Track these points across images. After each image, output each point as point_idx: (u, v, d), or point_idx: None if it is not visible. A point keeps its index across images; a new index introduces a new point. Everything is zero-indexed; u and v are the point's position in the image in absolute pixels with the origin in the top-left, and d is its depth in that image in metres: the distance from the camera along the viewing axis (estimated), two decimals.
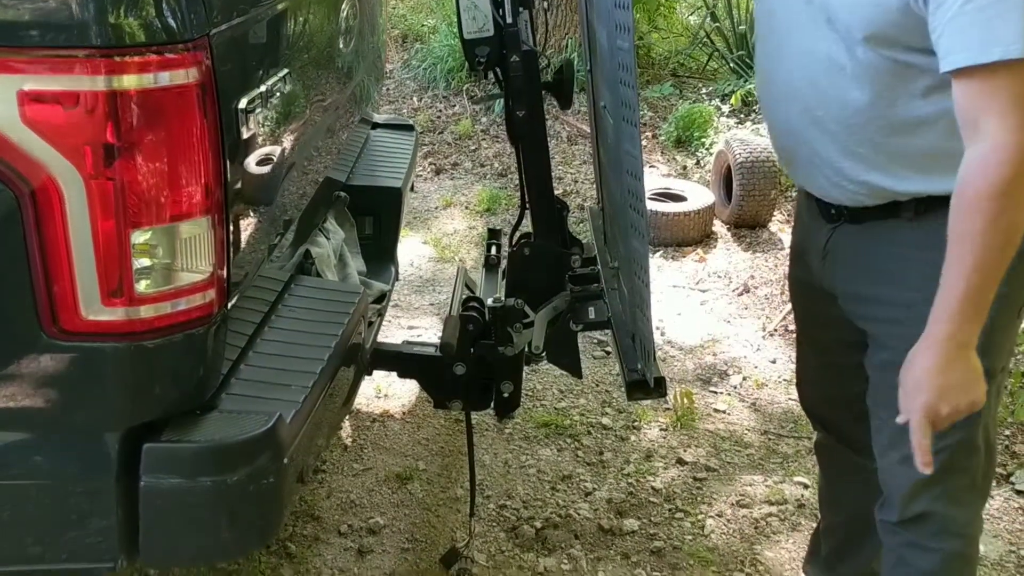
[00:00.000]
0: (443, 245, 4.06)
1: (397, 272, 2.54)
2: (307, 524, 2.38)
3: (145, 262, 1.31)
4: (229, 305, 1.47)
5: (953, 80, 1.33)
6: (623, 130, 1.80)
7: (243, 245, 1.52)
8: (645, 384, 1.89)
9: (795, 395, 2.89)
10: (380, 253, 2.47)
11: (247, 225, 1.54)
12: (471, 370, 2.10)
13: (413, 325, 3.38)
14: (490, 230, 2.69)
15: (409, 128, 2.96)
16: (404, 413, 2.88)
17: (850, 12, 1.45)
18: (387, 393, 2.95)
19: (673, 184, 4.30)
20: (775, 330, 3.39)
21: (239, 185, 1.45)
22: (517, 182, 2.37)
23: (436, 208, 4.47)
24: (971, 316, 1.34)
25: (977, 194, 1.30)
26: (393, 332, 3.24)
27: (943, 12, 1.33)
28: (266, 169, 1.58)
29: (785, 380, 3.08)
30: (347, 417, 2.82)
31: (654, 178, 4.54)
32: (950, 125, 1.37)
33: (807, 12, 1.52)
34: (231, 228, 1.42)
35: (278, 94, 1.58)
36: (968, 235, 1.31)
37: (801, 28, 1.54)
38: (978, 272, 1.32)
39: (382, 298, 2.32)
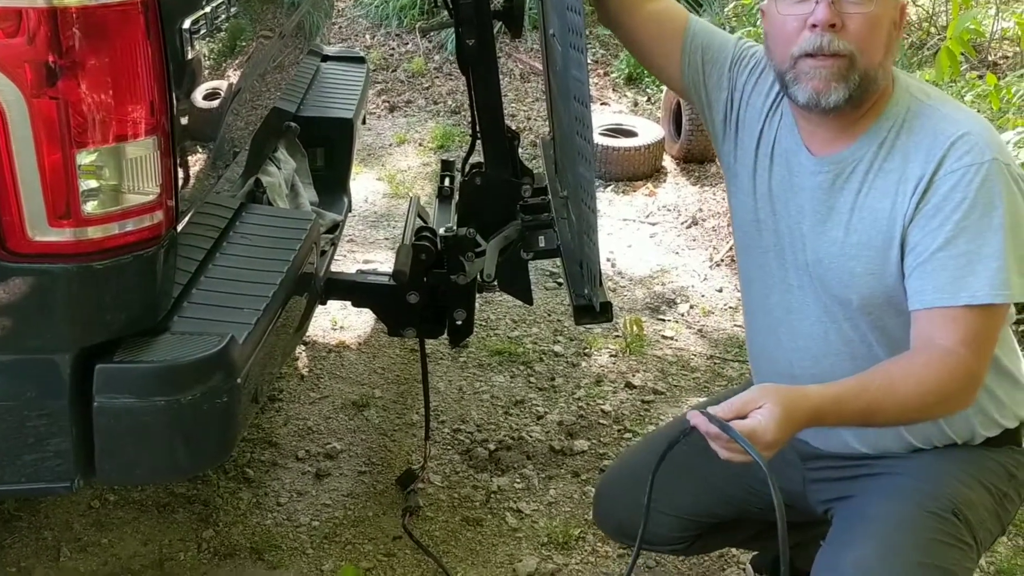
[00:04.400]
0: (397, 181, 4.07)
1: (350, 203, 2.56)
2: (264, 450, 2.43)
3: (91, 183, 1.32)
4: (178, 228, 1.48)
5: (918, 312, 1.40)
6: (570, 56, 1.82)
7: (190, 168, 1.52)
8: (592, 308, 1.92)
9: (740, 322, 2.98)
10: (332, 184, 2.48)
11: (194, 148, 1.54)
12: (424, 298, 2.13)
13: (368, 259, 3.40)
14: (443, 161, 2.70)
15: (360, 60, 2.94)
16: (360, 344, 2.91)
17: (845, 286, 1.49)
18: (343, 325, 2.98)
19: (624, 120, 4.34)
20: (721, 260, 3.47)
21: (185, 107, 1.45)
22: (470, 119, 2.38)
23: (390, 145, 4.46)
24: (843, 418, 1.39)
25: (924, 382, 1.36)
26: (348, 266, 3.25)
27: (915, 255, 1.40)
28: (212, 92, 1.58)
29: (731, 308, 3.17)
30: (303, 348, 2.85)
31: (605, 114, 4.56)
32: None
33: (799, 293, 1.56)
34: (177, 150, 1.43)
35: (222, 16, 1.58)
36: (893, 392, 1.36)
37: (798, 310, 1.57)
38: (876, 413, 1.37)
39: (335, 228, 2.33)
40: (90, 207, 1.32)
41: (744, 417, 1.28)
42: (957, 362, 1.36)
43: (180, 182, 1.46)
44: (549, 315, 3.11)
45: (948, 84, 3.90)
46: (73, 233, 1.32)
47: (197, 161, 1.56)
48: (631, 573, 1.57)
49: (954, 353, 1.36)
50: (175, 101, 1.39)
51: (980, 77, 4.11)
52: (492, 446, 2.49)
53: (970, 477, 1.52)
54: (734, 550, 2.15)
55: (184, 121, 1.45)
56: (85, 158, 1.30)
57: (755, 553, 2.09)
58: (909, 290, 1.42)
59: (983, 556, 2.09)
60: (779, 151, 1.58)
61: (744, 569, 2.12)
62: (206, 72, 1.54)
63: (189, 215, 1.54)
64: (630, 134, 4.14)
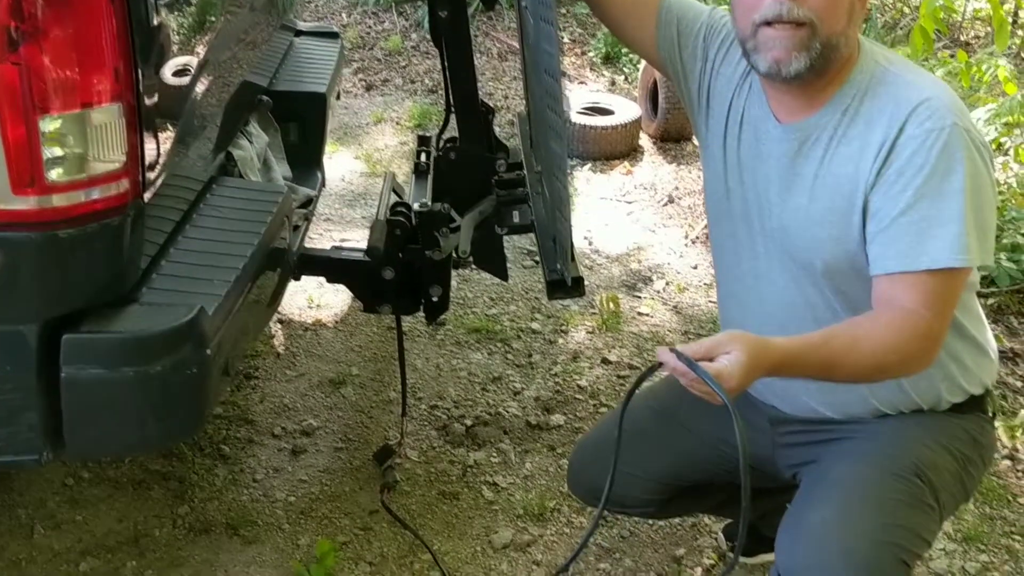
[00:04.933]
0: (374, 160, 4.05)
1: (323, 179, 2.54)
2: (240, 427, 2.42)
3: (56, 150, 1.30)
4: (146, 197, 1.46)
5: (879, 277, 1.42)
6: (541, 29, 1.81)
7: (158, 137, 1.50)
8: (564, 283, 1.92)
9: (714, 298, 3.00)
10: (306, 159, 2.46)
11: (161, 117, 1.52)
12: (400, 274, 2.13)
13: (345, 237, 3.39)
14: (420, 136, 2.68)
15: (334, 35, 2.92)
16: (336, 322, 2.90)
17: (809, 251, 1.51)
18: (319, 303, 2.97)
19: (601, 99, 4.34)
20: (697, 238, 3.49)
21: (150, 74, 1.43)
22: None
23: (367, 124, 4.43)
24: (805, 370, 1.41)
25: (885, 341, 1.37)
26: (325, 245, 3.23)
27: (877, 221, 1.41)
28: (179, 61, 1.56)
29: (705, 284, 3.19)
30: (279, 326, 2.84)
31: (583, 93, 4.56)
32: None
33: (766, 260, 1.58)
34: (143, 118, 1.41)
35: None
36: (855, 348, 1.38)
37: (765, 276, 1.59)
38: (836, 367, 1.39)
39: (308, 203, 2.32)
40: (54, 175, 1.31)
41: (711, 360, 1.30)
42: (918, 323, 1.38)
43: (147, 151, 1.44)
44: (526, 293, 3.12)
45: (921, 62, 3.92)
46: (37, 201, 1.31)
47: (165, 130, 1.54)
48: (601, 514, 1.58)
49: (916, 314, 1.38)
50: (140, 68, 1.37)
51: (952, 56, 4.14)
52: (469, 422, 2.49)
53: (934, 442, 1.54)
54: (707, 519, 2.17)
55: (150, 89, 1.43)
56: (49, 125, 1.28)
57: (728, 522, 2.11)
58: (871, 255, 1.43)
59: (949, 522, 2.13)
60: (748, 119, 1.58)
61: (716, 537, 2.14)
62: (173, 41, 1.53)
63: (157, 185, 1.52)
64: (607, 113, 4.14)
